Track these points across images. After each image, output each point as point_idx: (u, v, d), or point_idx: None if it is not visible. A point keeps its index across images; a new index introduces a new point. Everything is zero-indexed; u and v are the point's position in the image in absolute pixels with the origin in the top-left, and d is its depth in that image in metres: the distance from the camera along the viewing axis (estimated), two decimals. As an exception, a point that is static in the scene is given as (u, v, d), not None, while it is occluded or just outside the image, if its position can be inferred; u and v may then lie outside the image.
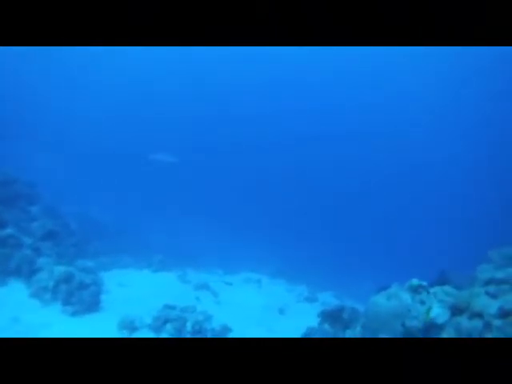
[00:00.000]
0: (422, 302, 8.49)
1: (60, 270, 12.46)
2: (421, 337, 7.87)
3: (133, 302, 13.62)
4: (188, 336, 11.33)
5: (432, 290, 8.67)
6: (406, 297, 8.77)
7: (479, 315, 7.01)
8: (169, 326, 11.56)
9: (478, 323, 6.90)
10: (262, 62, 46.87)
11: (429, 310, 8.01)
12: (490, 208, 40.89)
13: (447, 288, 8.46)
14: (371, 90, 49.90)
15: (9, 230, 13.53)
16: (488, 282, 7.89)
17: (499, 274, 7.98)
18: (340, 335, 10.50)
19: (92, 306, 12.34)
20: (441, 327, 7.69)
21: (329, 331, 11.05)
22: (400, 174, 50.21)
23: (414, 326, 8.06)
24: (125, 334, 11.24)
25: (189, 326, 11.53)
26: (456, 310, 7.68)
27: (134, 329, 11.49)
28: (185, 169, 43.56)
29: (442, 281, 9.31)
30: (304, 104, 53.81)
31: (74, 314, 11.72)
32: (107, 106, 51.65)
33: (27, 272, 12.74)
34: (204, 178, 44.87)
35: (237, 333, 12.30)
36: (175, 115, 53.90)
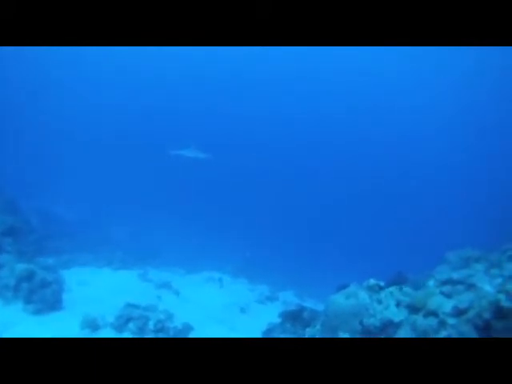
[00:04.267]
0: (379, 301, 8.69)
1: (21, 267, 12.22)
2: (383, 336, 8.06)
3: (94, 301, 13.43)
4: (151, 334, 11.29)
5: (389, 290, 8.89)
6: (364, 296, 8.95)
7: (434, 314, 7.22)
8: (131, 325, 11.49)
9: (433, 321, 7.10)
10: (260, 61, 46.84)
11: None
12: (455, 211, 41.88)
13: (404, 288, 8.68)
14: (370, 90, 50.37)
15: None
16: (444, 283, 8.13)
17: (455, 275, 8.25)
18: (300, 333, 10.65)
19: (54, 304, 12.13)
20: (397, 325, 7.88)
21: (290, 329, 11.19)
22: (366, 175, 50.79)
23: (372, 324, 8.24)
24: (87, 333, 11.13)
25: (151, 324, 11.49)
26: (412, 309, 7.89)
27: (97, 327, 11.37)
28: (148, 166, 43.23)
29: (398, 281, 9.55)
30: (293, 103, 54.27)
31: (36, 312, 11.52)
32: (78, 101, 50.63)
33: (-13, 269, 12.48)
34: (166, 175, 44.46)
35: (198, 331, 12.32)
36: (155, 108, 53.54)
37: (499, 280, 7.33)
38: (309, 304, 15.27)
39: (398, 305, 8.32)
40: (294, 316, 11.57)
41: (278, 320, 12.06)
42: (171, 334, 11.37)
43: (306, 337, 9.91)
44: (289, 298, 19.88)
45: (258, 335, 11.93)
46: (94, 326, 11.36)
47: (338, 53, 41.60)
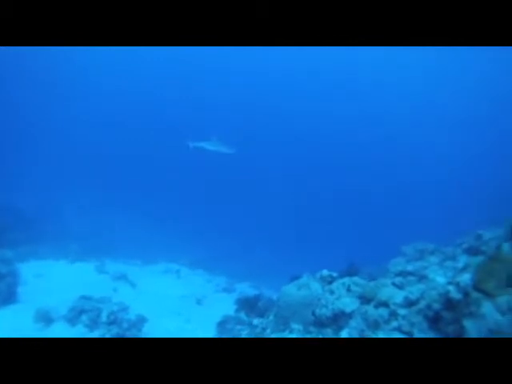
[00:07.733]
0: (331, 292, 8.53)
1: (-25, 260, 11.72)
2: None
3: (50, 294, 13.04)
4: (104, 326, 10.91)
5: (341, 281, 8.74)
6: (317, 286, 8.81)
7: (385, 304, 7.09)
8: (84, 317, 11.10)
9: (384, 312, 6.96)
10: (260, 61, 46.49)
11: None
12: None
13: (356, 279, 8.54)
14: (365, 89, 50.61)
15: None
16: (398, 274, 8.06)
17: (409, 267, 8.18)
18: (254, 324, 10.44)
19: (8, 297, 11.71)
20: (349, 315, 7.73)
21: (244, 320, 10.99)
22: (321, 167, 51.12)
23: (324, 314, 8.07)
24: (41, 326, 10.70)
25: (104, 316, 11.10)
26: (364, 300, 7.76)
27: (50, 320, 10.95)
28: (105, 158, 42.34)
29: (351, 272, 9.44)
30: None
31: (-11, 306, 11.07)
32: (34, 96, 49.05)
33: None
34: (123, 166, 43.72)
35: (153, 323, 11.98)
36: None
37: (452, 272, 7.26)
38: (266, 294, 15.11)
39: (349, 295, 8.17)
40: (249, 304, 11.40)
41: (233, 308, 11.88)
42: (125, 326, 10.99)
43: (259, 328, 9.71)
44: (246, 290, 19.64)
45: (212, 327, 11.69)
46: (48, 319, 10.96)
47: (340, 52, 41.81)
